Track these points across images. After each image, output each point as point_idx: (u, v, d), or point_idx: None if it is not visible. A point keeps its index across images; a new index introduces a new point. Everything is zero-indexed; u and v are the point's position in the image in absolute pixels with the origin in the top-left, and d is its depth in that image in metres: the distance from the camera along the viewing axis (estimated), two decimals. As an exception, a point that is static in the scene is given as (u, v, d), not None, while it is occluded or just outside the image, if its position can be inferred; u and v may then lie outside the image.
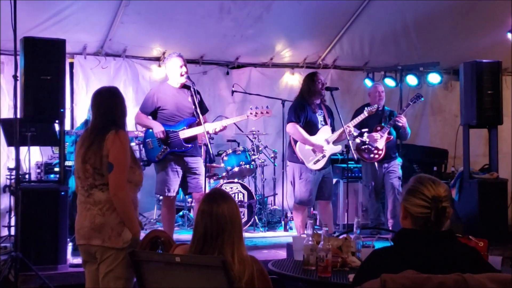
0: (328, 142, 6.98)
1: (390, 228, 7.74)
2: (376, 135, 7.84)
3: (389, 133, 7.91)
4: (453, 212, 2.85)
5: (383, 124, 7.93)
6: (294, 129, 6.94)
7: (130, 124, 7.18)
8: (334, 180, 8.54)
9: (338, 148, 7.11)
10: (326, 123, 7.04)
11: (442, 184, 2.77)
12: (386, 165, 8.03)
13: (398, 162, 8.08)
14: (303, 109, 6.95)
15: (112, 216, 3.83)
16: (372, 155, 7.92)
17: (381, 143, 7.86)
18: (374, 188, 8.17)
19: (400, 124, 7.84)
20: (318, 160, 6.93)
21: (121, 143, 3.85)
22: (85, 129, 4.08)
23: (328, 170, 7.17)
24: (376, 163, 8.03)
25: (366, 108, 7.40)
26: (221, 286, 2.94)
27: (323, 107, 7.11)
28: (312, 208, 7.63)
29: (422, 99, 8.24)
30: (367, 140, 7.72)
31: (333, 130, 7.08)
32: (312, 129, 6.98)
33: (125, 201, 3.82)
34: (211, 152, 6.53)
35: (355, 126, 7.30)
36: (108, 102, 3.98)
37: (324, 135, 6.99)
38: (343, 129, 6.92)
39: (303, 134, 6.91)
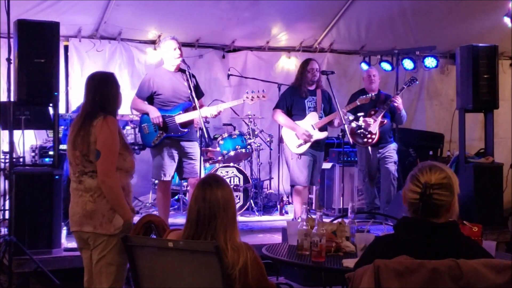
0: (313, 128, 6.98)
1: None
2: (370, 119, 7.80)
3: (383, 117, 7.88)
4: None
5: (377, 108, 7.90)
6: (276, 115, 7.13)
7: (126, 107, 7.16)
8: (330, 165, 8.59)
9: (324, 134, 7.11)
10: (315, 110, 7.05)
11: (441, 171, 2.71)
12: (381, 150, 8.00)
13: (393, 146, 8.06)
14: (290, 96, 7.09)
15: (103, 202, 3.82)
16: (365, 140, 7.90)
17: (374, 127, 7.83)
18: (368, 173, 8.17)
19: (396, 105, 7.79)
20: (300, 144, 6.97)
21: (109, 129, 3.82)
22: (77, 114, 4.05)
23: (319, 157, 7.22)
24: (370, 148, 8.01)
25: (360, 96, 7.39)
26: (214, 272, 2.94)
27: (319, 93, 7.10)
28: (308, 193, 7.65)
29: (417, 82, 8.24)
30: (363, 124, 7.72)
31: (327, 115, 7.09)
32: (299, 114, 7.05)
33: (113, 188, 3.81)
34: (206, 136, 6.50)
35: (349, 112, 7.33)
36: (98, 87, 3.95)
37: (310, 120, 7.01)
38: (336, 114, 6.95)
39: (285, 119, 7.04)
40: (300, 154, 6.98)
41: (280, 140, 7.36)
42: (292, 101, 7.04)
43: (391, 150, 8.03)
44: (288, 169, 7.25)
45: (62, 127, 7.03)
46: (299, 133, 6.94)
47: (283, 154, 7.27)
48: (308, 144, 6.99)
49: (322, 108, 7.08)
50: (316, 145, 7.08)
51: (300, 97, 7.02)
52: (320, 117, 7.04)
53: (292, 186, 7.27)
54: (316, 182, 7.47)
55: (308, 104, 7.04)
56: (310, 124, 6.99)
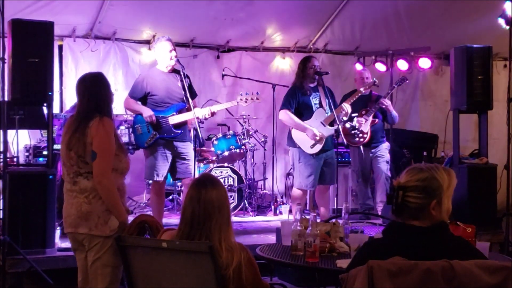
0: (324, 125, 6.94)
1: (379, 213, 7.75)
2: (361, 119, 7.87)
3: (374, 117, 7.94)
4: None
5: (368, 108, 7.95)
6: (285, 116, 6.96)
7: (120, 107, 7.15)
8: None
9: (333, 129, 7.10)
10: (321, 106, 7.01)
11: (418, 173, 2.71)
12: (373, 150, 8.04)
13: (385, 146, 8.10)
14: (295, 95, 6.95)
15: (99, 204, 3.81)
16: (357, 139, 7.94)
17: (366, 127, 7.89)
18: (362, 173, 8.19)
19: (384, 107, 7.88)
20: (314, 144, 6.91)
21: (105, 130, 3.82)
22: (71, 115, 4.05)
23: (331, 154, 7.08)
24: (362, 148, 8.04)
25: (363, 86, 7.54)
26: (208, 272, 2.94)
27: (320, 89, 7.06)
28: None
29: (407, 81, 8.32)
30: (357, 125, 7.77)
31: (332, 110, 7.02)
32: (306, 112, 6.96)
33: (109, 189, 3.80)
34: (200, 136, 6.49)
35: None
36: (92, 88, 3.94)
37: (319, 118, 6.97)
38: (341, 109, 6.93)
39: (295, 119, 6.90)
40: (315, 154, 6.92)
41: (287, 143, 7.22)
42: (298, 99, 6.94)
43: (383, 149, 8.06)
44: (293, 171, 7.21)
45: (56, 126, 7.01)
46: (310, 134, 6.85)
47: (291, 157, 7.13)
48: (323, 142, 6.89)
49: (327, 104, 7.01)
50: (324, 144, 6.94)
51: (305, 95, 6.96)
52: (327, 113, 7.01)
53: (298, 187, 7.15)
54: (334, 180, 7.31)
55: (313, 101, 6.99)
56: (319, 121, 6.94)
